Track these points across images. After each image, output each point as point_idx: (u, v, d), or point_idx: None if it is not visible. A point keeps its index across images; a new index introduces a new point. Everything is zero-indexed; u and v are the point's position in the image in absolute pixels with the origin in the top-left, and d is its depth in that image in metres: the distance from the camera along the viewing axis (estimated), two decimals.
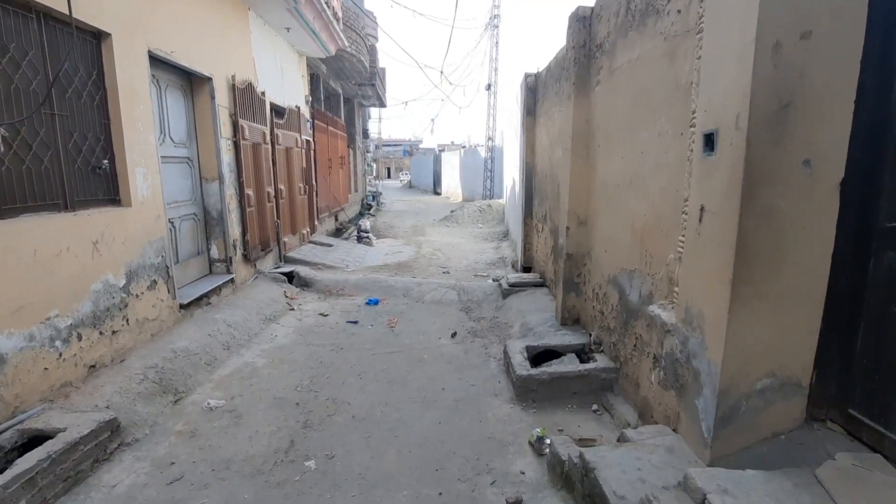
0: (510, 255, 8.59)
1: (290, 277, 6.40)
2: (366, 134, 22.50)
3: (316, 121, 9.57)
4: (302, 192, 8.17)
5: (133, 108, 3.63)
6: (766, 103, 1.65)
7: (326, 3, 7.48)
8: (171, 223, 4.53)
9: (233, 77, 5.37)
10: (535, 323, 4.43)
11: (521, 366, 3.37)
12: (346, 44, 9.35)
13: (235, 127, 5.44)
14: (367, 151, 25.03)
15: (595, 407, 3.15)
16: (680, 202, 2.33)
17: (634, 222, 2.92)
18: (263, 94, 6.35)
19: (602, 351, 3.50)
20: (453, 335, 4.59)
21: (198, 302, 4.55)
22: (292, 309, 5.39)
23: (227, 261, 5.29)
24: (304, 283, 6.35)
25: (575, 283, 4.06)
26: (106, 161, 3.41)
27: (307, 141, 8.62)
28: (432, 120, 57.27)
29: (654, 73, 2.63)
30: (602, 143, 3.54)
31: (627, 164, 3.03)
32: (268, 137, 6.48)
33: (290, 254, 7.34)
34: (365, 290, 6.13)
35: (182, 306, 4.27)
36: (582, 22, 3.75)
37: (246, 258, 5.70)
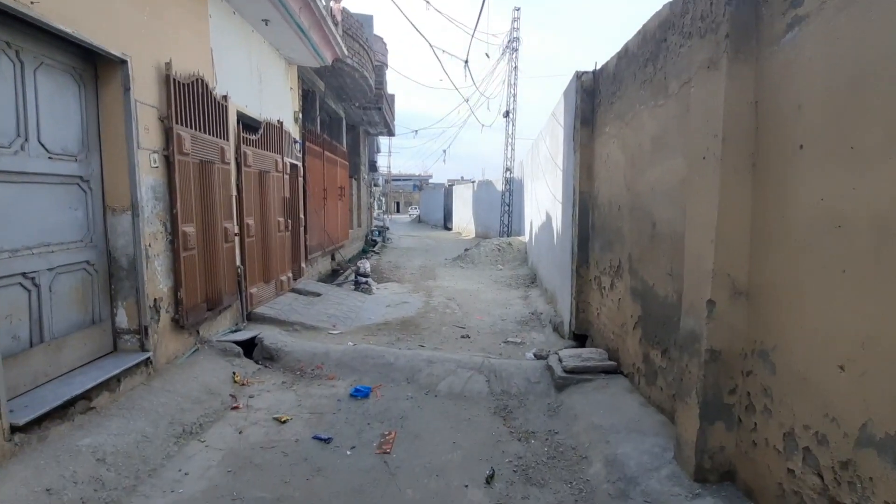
0: (545, 310, 6.70)
1: (251, 347, 4.58)
2: (373, 167, 21.08)
3: (308, 143, 7.95)
4: (282, 227, 6.44)
5: None
6: None
7: None
8: (30, 280, 2.77)
9: (167, 65, 3.73)
10: (634, 464, 2.52)
11: None
12: (346, 52, 7.84)
13: (168, 135, 3.75)
14: (375, 185, 23.59)
15: None
16: None
17: None
18: (225, 98, 4.71)
19: None
20: (489, 479, 2.66)
21: (62, 412, 2.72)
22: (236, 407, 3.52)
23: (142, 331, 3.48)
24: (269, 356, 4.50)
25: (726, 405, 2.18)
26: None
27: (293, 165, 6.97)
28: (444, 151, 56.19)
29: None
30: (811, 142, 1.74)
31: None
32: (228, 155, 4.80)
33: (259, 309, 5.53)
34: (351, 369, 4.25)
35: (16, 429, 2.44)
36: None
37: (177, 324, 3.89)
